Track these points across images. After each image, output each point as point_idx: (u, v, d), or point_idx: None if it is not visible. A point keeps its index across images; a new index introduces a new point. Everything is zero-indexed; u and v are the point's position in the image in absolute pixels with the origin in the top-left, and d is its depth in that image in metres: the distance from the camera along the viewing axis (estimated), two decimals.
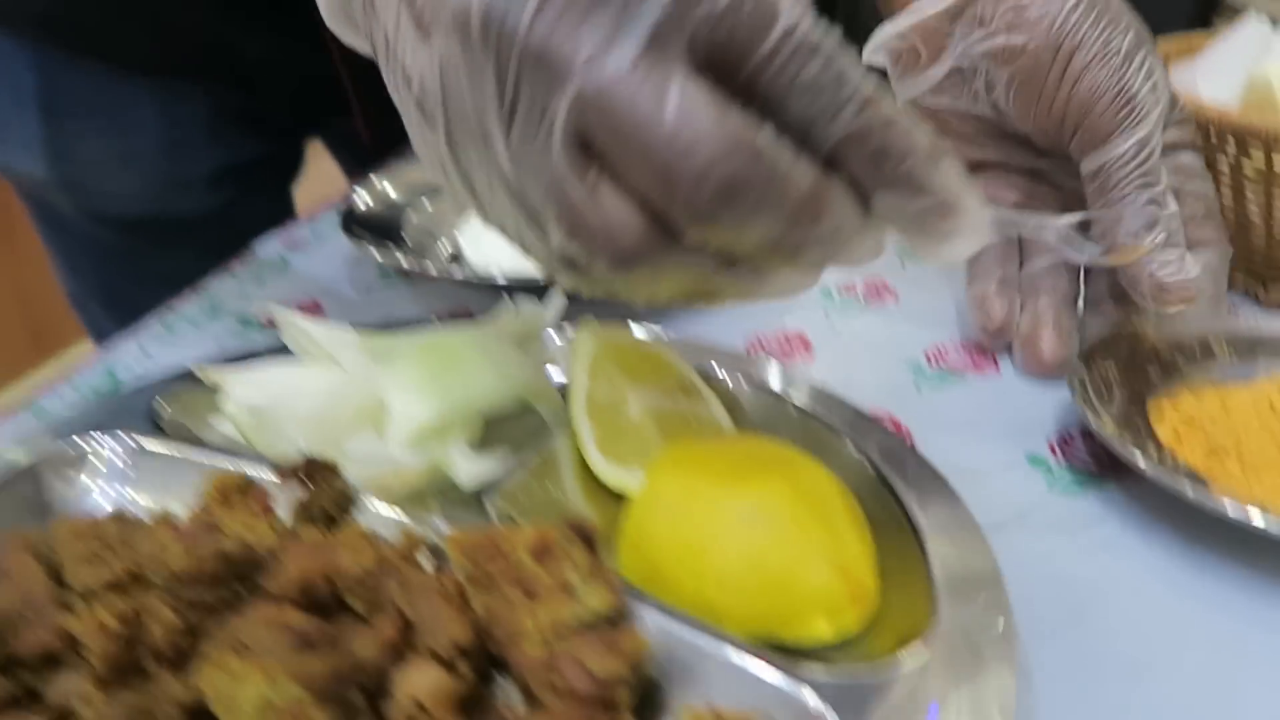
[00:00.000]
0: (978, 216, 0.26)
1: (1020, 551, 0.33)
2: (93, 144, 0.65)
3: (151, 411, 0.37)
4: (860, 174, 0.24)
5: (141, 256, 0.69)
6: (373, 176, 0.59)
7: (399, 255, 0.51)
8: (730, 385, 0.39)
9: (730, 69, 0.23)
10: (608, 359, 0.36)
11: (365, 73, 0.33)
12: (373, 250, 0.51)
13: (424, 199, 0.59)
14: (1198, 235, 0.42)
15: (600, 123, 0.22)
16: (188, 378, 0.39)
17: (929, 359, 0.45)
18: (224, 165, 0.69)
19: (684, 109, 0.22)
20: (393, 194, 0.58)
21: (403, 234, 0.57)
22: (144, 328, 0.50)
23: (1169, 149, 0.42)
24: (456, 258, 0.56)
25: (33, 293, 1.87)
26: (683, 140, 0.22)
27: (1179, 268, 0.41)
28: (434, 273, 0.50)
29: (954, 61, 0.45)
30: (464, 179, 0.27)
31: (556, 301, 0.44)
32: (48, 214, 0.70)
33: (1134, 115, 0.41)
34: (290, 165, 0.81)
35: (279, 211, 0.75)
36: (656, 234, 0.24)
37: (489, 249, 0.55)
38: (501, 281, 0.48)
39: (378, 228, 0.56)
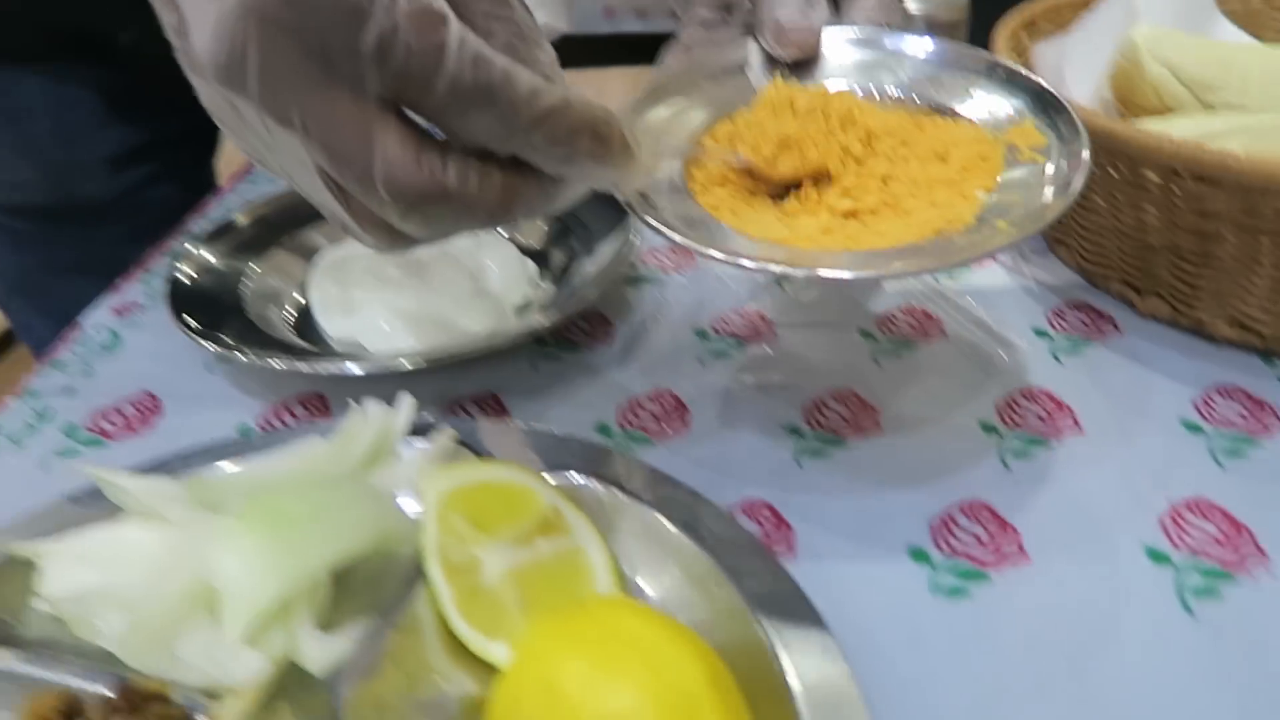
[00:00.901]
0: (650, 160, 0.33)
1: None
2: None
3: None
4: (544, 163, 0.29)
5: (55, 245, 0.70)
6: (189, 244, 0.54)
7: (230, 342, 0.46)
8: (596, 497, 0.37)
9: (415, 103, 0.27)
10: (456, 507, 0.33)
11: None
12: (203, 341, 0.46)
13: (251, 264, 0.54)
14: None
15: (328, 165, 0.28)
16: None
17: (809, 420, 0.44)
18: (123, 148, 0.69)
19: (389, 160, 0.27)
20: (214, 261, 0.53)
21: (241, 297, 0.52)
22: None
23: None
24: (302, 319, 0.52)
25: None
26: (391, 189, 0.28)
27: (801, 13, 0.43)
28: (278, 367, 0.45)
29: None
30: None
31: (406, 404, 0.40)
32: None
33: None
34: (202, 141, 0.79)
35: (197, 187, 0.75)
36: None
37: (335, 310, 0.51)
38: (353, 370, 0.44)
39: (210, 298, 0.51)
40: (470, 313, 0.50)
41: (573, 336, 0.50)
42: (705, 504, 0.37)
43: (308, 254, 0.56)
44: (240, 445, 0.41)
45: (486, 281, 0.52)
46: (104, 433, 0.46)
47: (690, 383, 0.46)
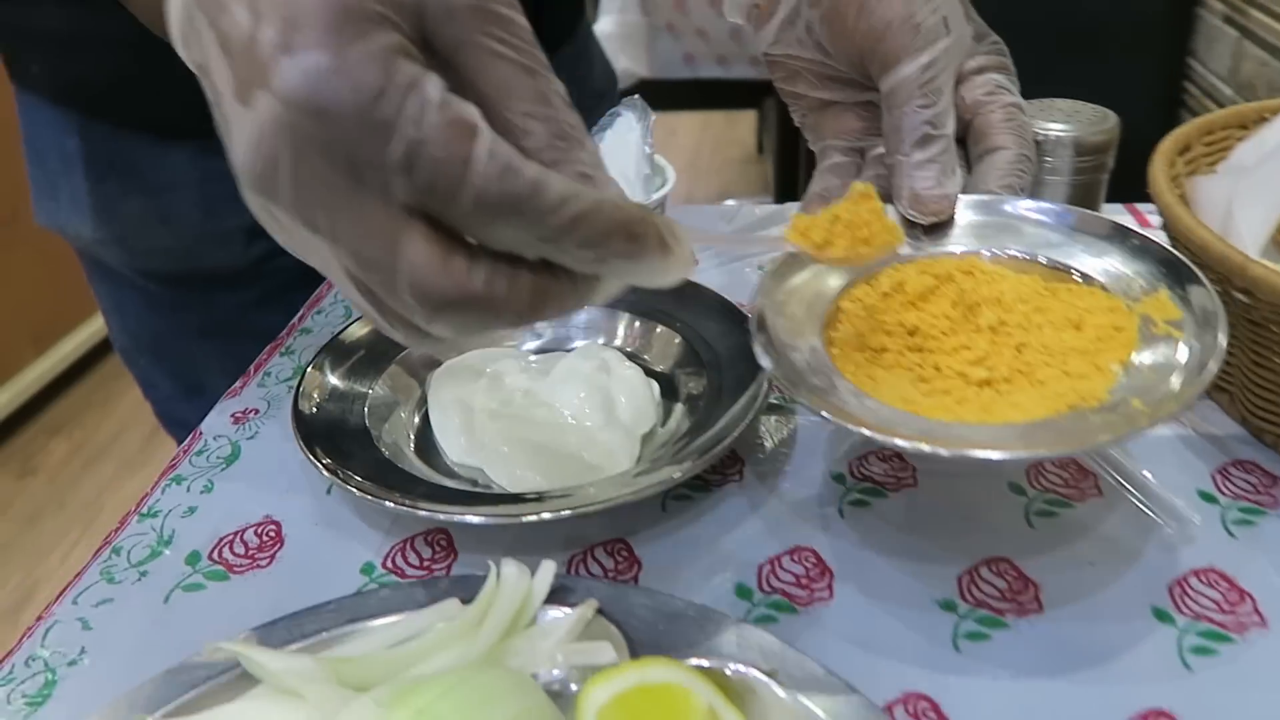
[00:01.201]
0: (684, 258, 0.31)
1: None
2: (133, 203, 0.67)
3: None
4: (576, 265, 0.29)
5: (186, 308, 0.73)
6: (312, 369, 0.53)
7: (353, 477, 0.45)
8: (749, 687, 0.35)
9: (441, 212, 0.27)
10: (617, 714, 0.32)
11: None
12: (325, 473, 0.45)
13: (371, 380, 0.53)
14: (997, 141, 0.47)
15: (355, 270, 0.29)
16: None
17: (965, 594, 0.41)
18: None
19: (415, 266, 0.27)
20: (335, 381, 0.52)
21: (363, 415, 0.51)
22: (84, 580, 0.44)
23: (977, 71, 0.48)
24: (423, 434, 0.51)
25: (31, 288, 1.84)
26: (417, 294, 0.28)
27: (937, 182, 0.45)
28: (394, 508, 0.43)
29: (783, 12, 0.50)
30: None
31: (547, 571, 0.39)
32: (99, 269, 0.73)
33: (919, 39, 0.45)
34: None
35: None
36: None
37: (455, 432, 0.50)
38: (473, 520, 0.42)
39: (331, 420, 0.50)
40: (596, 446, 0.48)
41: (702, 473, 0.48)
42: (866, 703, 0.34)
43: (426, 366, 0.54)
44: (370, 602, 0.39)
45: (615, 409, 0.50)
46: (227, 565, 0.45)
47: (831, 538, 0.44)
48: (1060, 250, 0.45)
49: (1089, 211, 0.45)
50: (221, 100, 0.28)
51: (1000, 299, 0.43)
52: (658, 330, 0.55)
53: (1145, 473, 0.46)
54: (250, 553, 0.45)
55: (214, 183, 0.67)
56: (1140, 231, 0.43)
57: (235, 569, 0.44)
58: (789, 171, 1.74)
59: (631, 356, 0.55)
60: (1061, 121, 0.54)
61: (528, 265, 0.29)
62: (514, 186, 0.27)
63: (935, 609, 0.40)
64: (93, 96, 0.64)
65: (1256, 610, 0.39)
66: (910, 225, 0.46)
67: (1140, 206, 0.70)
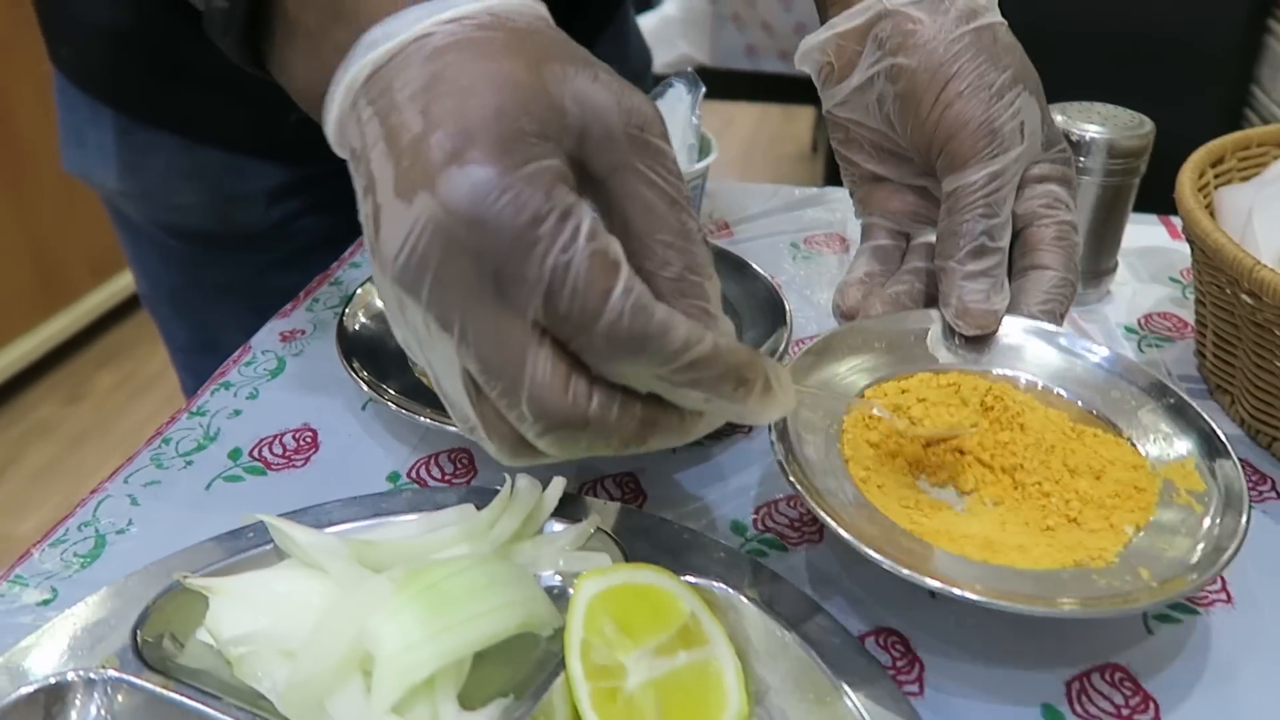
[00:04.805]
0: (785, 401, 0.32)
1: None
2: (160, 158, 0.67)
3: (135, 638, 0.36)
4: (685, 403, 0.31)
5: (207, 266, 0.72)
6: (362, 290, 0.56)
7: (388, 391, 0.48)
8: (731, 605, 0.38)
9: (570, 339, 0.29)
10: (604, 609, 0.34)
11: None
12: (362, 385, 0.48)
13: None
14: (1043, 259, 0.46)
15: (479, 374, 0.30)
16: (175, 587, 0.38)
17: None
18: (285, 181, 0.70)
19: (537, 382, 0.29)
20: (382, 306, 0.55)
21: None
22: (135, 463, 0.48)
23: (1039, 180, 0.46)
24: None
25: (44, 245, 1.88)
26: (535, 409, 0.29)
27: (987, 297, 0.45)
28: (425, 423, 0.47)
29: (858, 78, 0.49)
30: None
31: (557, 486, 0.42)
32: (123, 220, 0.73)
33: (993, 147, 0.44)
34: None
35: (344, 223, 0.77)
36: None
37: None
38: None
39: (374, 337, 0.53)
40: None
41: None
42: (840, 630, 0.37)
43: None
44: (395, 501, 0.43)
45: None
46: (266, 462, 0.48)
47: None
48: (1094, 391, 0.45)
49: (1132, 360, 0.45)
50: (376, 190, 0.29)
51: (1018, 437, 0.43)
52: None
53: None
54: (287, 454, 0.49)
55: (240, 141, 0.66)
56: (1179, 392, 0.43)
57: (273, 466, 0.48)
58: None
59: None
60: (1098, 124, 0.55)
61: (639, 397, 0.30)
62: (643, 326, 0.28)
63: None
64: (119, 85, 0.65)
65: (1225, 589, 0.41)
66: (950, 332, 0.47)
67: (1174, 219, 0.71)
